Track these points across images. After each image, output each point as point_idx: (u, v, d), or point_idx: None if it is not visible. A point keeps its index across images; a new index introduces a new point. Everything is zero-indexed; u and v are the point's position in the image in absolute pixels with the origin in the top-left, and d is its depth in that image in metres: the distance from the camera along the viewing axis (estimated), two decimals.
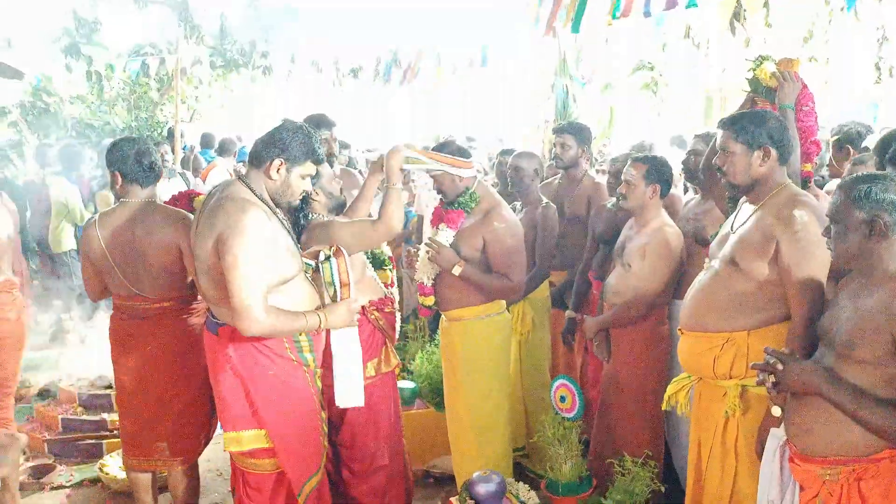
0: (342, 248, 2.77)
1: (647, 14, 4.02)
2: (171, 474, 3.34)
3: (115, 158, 3.15)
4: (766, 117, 2.59)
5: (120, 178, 3.16)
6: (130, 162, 3.12)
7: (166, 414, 3.23)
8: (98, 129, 8.64)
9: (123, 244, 3.13)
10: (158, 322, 3.20)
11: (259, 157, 2.67)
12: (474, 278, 3.32)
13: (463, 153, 3.37)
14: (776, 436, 2.27)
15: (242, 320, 2.50)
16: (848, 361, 2.04)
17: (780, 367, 2.09)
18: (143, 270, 3.15)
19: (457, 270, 3.30)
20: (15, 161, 7.73)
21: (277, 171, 2.64)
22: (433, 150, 3.37)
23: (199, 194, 3.43)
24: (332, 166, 3.21)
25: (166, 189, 6.73)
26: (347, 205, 3.33)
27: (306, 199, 3.07)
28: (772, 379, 2.11)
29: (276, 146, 2.64)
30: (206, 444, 3.42)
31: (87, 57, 8.08)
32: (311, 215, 3.11)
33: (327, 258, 2.74)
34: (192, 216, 3.07)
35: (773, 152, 2.55)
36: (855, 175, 2.13)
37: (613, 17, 4.35)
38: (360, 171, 6.90)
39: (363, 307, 3.15)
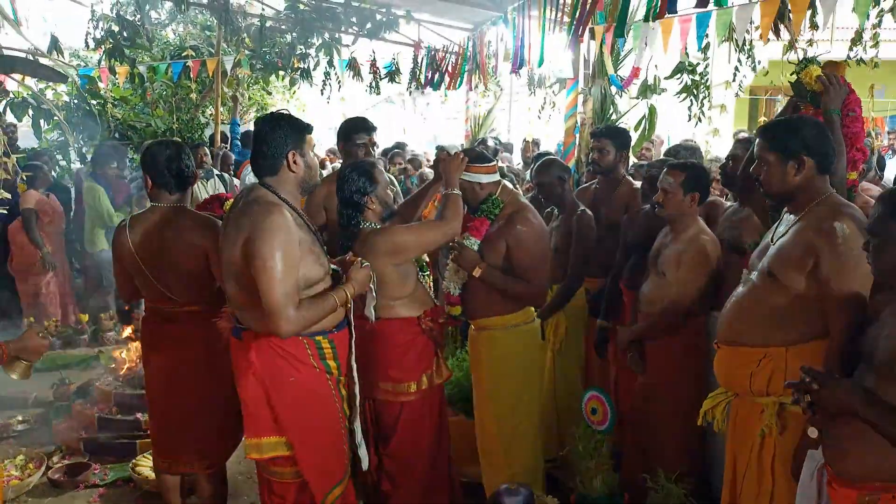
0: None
1: (672, 11, 3.91)
2: (199, 478, 3.36)
3: (147, 162, 3.19)
4: (801, 125, 2.48)
5: (150, 182, 3.18)
6: (160, 166, 3.14)
7: (194, 418, 3.24)
8: (140, 131, 8.82)
9: (153, 248, 3.15)
10: (187, 325, 3.21)
11: (271, 165, 2.67)
12: (495, 280, 3.26)
13: (482, 158, 3.32)
14: (814, 458, 2.17)
15: (276, 321, 2.50)
16: (888, 382, 1.94)
17: (816, 386, 1.98)
18: (172, 274, 3.17)
19: (478, 272, 3.24)
20: (61, 163, 7.91)
21: (295, 163, 2.67)
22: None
23: (230, 197, 3.44)
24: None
25: (205, 190, 6.85)
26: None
27: (359, 205, 3.07)
28: (808, 399, 2.01)
29: (278, 145, 2.64)
30: (234, 448, 3.43)
31: (131, 59, 8.22)
32: (363, 223, 3.10)
33: None
34: (220, 222, 3.07)
35: (810, 161, 2.43)
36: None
37: (645, 19, 4.25)
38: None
39: (417, 318, 3.14)
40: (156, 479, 3.58)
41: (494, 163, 3.36)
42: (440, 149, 3.28)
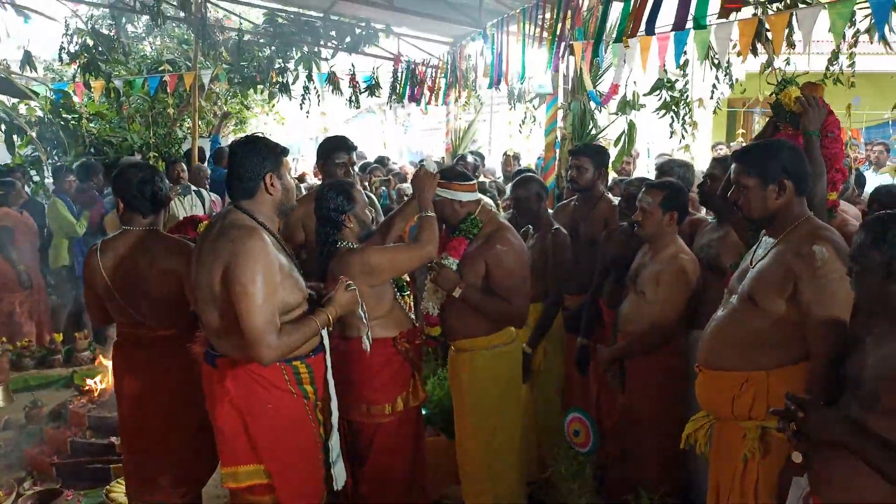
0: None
1: (650, 32, 3.92)
2: None
3: (119, 185, 3.13)
4: (780, 148, 2.48)
5: (122, 205, 3.12)
6: (133, 190, 3.08)
7: (169, 444, 3.18)
8: (116, 146, 8.70)
9: (125, 273, 3.10)
10: (160, 351, 3.15)
11: (247, 188, 2.62)
12: (475, 300, 3.22)
13: (462, 177, 3.29)
14: (799, 486, 2.15)
15: (258, 348, 2.46)
16: (873, 411, 1.92)
17: (801, 414, 1.97)
18: (145, 300, 3.11)
19: (457, 292, 3.20)
20: (34, 178, 7.78)
21: (273, 185, 2.63)
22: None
23: (203, 219, 3.39)
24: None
25: (181, 206, 6.75)
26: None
27: (337, 224, 3.04)
28: (793, 427, 2.00)
29: (255, 167, 2.60)
30: (210, 474, 3.36)
31: (106, 73, 8.11)
32: (340, 242, 3.06)
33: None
34: (193, 245, 3.02)
35: (789, 184, 2.43)
36: (877, 215, 2.02)
37: (617, 40, 4.26)
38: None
39: (393, 339, 3.09)
40: None
41: (474, 182, 3.33)
42: (421, 163, 3.26)
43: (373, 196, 4.75)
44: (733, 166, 2.54)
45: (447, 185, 3.22)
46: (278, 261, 2.55)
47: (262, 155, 2.61)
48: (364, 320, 2.83)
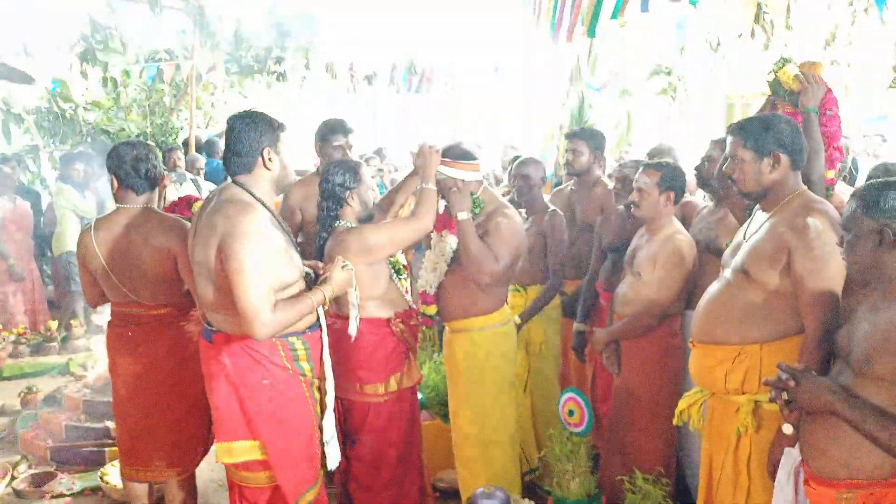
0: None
1: (644, 10, 3.90)
2: (168, 485, 3.28)
3: (113, 162, 3.11)
4: (775, 122, 2.46)
5: (116, 183, 3.11)
6: (127, 167, 3.07)
7: (163, 423, 3.17)
8: (113, 136, 8.68)
9: (119, 251, 3.08)
10: (155, 329, 3.14)
11: (245, 162, 2.61)
12: (469, 236, 3.12)
13: (467, 156, 3.26)
14: (791, 456, 2.15)
15: (252, 324, 2.44)
16: (866, 379, 1.92)
17: (792, 383, 1.97)
18: (140, 277, 3.09)
19: (462, 216, 3.15)
20: (31, 167, 7.77)
21: (270, 160, 2.62)
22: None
23: (197, 199, 3.37)
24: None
25: (178, 194, 6.73)
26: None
27: (340, 200, 3.04)
28: (785, 396, 1.99)
29: (253, 142, 2.59)
30: (205, 454, 3.36)
31: (104, 63, 8.09)
32: (339, 221, 3.05)
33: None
34: (188, 223, 3.00)
35: (784, 158, 2.42)
36: (869, 183, 2.02)
37: (613, 16, 4.24)
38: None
39: (388, 319, 3.09)
40: (124, 488, 3.48)
41: (477, 161, 3.30)
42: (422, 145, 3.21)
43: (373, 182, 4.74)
44: (729, 139, 2.53)
45: (451, 163, 3.19)
46: (275, 237, 2.55)
47: (260, 129, 2.59)
48: (355, 304, 2.81)
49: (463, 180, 3.21)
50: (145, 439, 3.19)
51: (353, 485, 3.19)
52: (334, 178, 3.05)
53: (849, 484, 1.94)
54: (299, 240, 3.69)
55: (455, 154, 3.22)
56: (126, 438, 3.26)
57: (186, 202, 3.36)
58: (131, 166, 3.07)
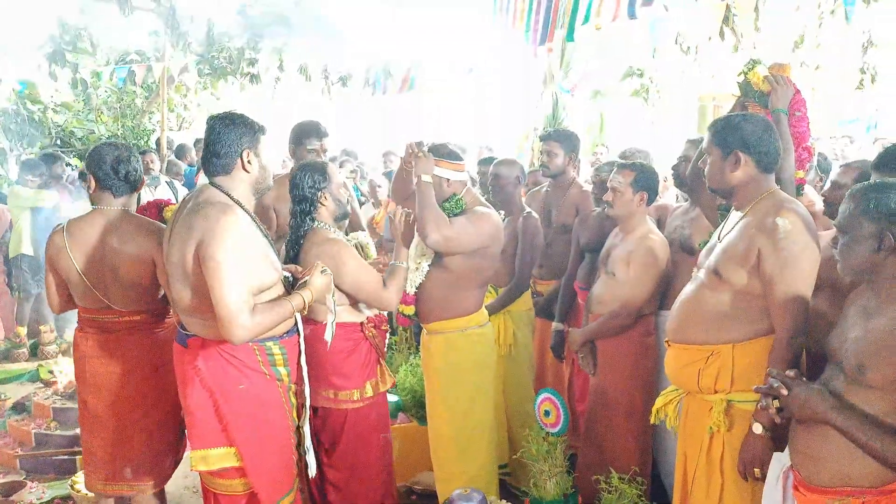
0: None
1: (632, 16, 3.93)
2: (138, 499, 3.19)
3: (93, 161, 3.03)
4: (744, 122, 2.47)
5: (94, 183, 3.04)
6: (106, 167, 3.00)
7: (134, 435, 3.08)
8: (83, 138, 8.54)
9: (94, 254, 3.00)
10: (128, 336, 3.07)
11: (224, 164, 2.58)
12: (427, 197, 3.07)
13: (454, 156, 3.26)
14: (780, 461, 2.14)
15: (230, 328, 2.40)
16: (858, 386, 1.88)
17: (784, 391, 1.94)
18: (114, 282, 3.02)
19: (425, 178, 3.11)
20: None
21: (250, 162, 2.59)
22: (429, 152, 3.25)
23: (168, 203, 3.32)
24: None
25: (152, 198, 6.64)
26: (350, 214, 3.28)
27: (314, 202, 3.01)
28: (776, 404, 1.97)
29: (232, 143, 2.56)
30: (175, 466, 3.28)
31: (73, 64, 7.97)
32: (317, 222, 3.03)
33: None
34: (165, 226, 2.95)
35: (746, 158, 2.43)
36: (866, 184, 1.98)
37: (585, 20, 4.27)
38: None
39: (361, 324, 3.07)
40: (95, 498, 3.42)
41: (463, 161, 3.31)
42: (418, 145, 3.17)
43: (347, 182, 4.72)
44: (706, 136, 2.56)
45: (437, 161, 3.18)
46: (254, 239, 2.52)
47: (239, 131, 2.57)
48: (332, 309, 2.79)
49: (448, 179, 3.21)
50: (115, 451, 3.09)
51: (332, 493, 3.15)
52: (303, 181, 3.02)
53: (839, 491, 1.91)
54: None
55: (441, 153, 3.22)
56: (94, 450, 3.14)
57: (157, 206, 3.30)
58: (111, 167, 3.00)
